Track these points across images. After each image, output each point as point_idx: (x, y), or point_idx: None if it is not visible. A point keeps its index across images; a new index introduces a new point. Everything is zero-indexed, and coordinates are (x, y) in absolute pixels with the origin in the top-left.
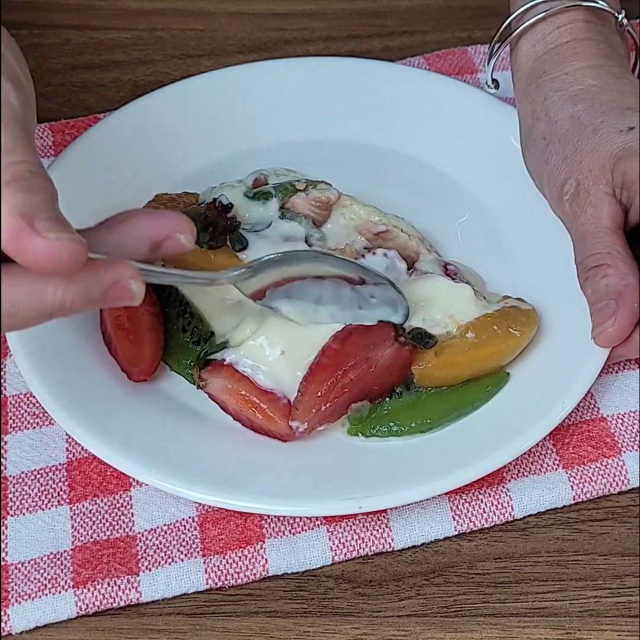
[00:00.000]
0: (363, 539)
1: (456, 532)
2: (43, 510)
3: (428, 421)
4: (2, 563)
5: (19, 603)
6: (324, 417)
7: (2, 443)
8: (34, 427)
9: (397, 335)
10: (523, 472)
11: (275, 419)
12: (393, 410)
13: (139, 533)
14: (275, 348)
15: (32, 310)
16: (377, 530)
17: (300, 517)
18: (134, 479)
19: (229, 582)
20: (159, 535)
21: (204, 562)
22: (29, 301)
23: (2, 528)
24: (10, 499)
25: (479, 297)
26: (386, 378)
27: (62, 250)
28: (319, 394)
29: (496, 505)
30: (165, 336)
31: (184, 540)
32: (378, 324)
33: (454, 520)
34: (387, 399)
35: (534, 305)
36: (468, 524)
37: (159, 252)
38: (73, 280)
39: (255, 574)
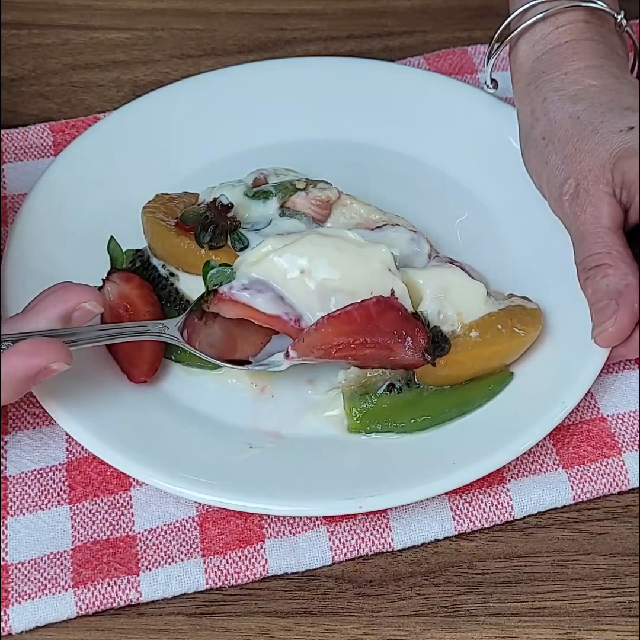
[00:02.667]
0: (363, 539)
1: (456, 532)
2: (43, 510)
3: (428, 418)
4: (2, 563)
5: (19, 603)
6: (316, 357)
7: (2, 443)
8: (34, 427)
9: (426, 349)
10: (523, 472)
11: (290, 335)
12: (393, 406)
13: (139, 533)
14: (296, 265)
15: None
16: (377, 530)
17: (300, 517)
18: (134, 479)
19: (229, 582)
20: (159, 535)
21: (204, 562)
22: None
23: (2, 528)
24: (10, 499)
25: (489, 297)
26: (390, 367)
27: None
28: (330, 344)
29: (496, 505)
30: None
31: (184, 540)
32: (419, 328)
33: (454, 520)
34: (387, 393)
35: None
36: (468, 524)
37: (71, 323)
38: None
39: (255, 574)
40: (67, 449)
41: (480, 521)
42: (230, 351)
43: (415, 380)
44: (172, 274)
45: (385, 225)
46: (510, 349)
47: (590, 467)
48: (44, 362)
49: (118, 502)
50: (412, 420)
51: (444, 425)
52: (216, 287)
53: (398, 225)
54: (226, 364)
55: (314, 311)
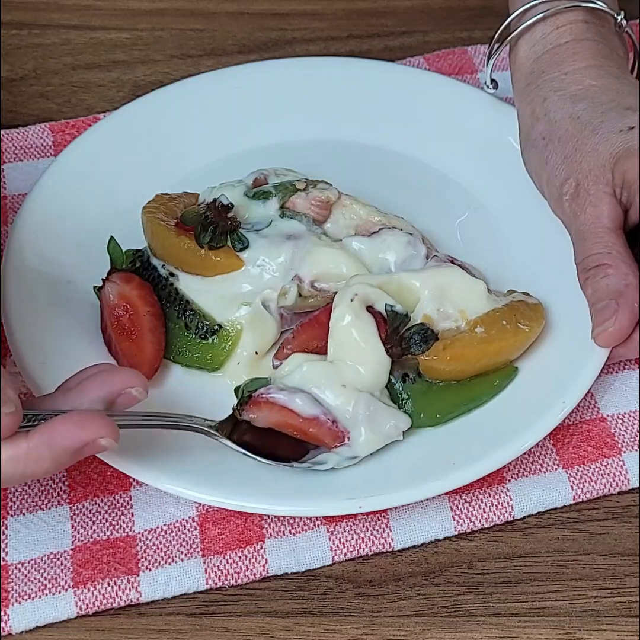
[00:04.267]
0: (363, 539)
1: (456, 532)
2: (43, 510)
3: (437, 416)
4: (2, 563)
5: (19, 603)
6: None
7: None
8: None
9: (388, 343)
10: (523, 472)
11: (324, 441)
12: (409, 395)
13: (139, 533)
14: (338, 380)
15: (6, 482)
16: (377, 530)
17: (300, 517)
18: (134, 479)
19: (229, 582)
20: (159, 535)
21: (204, 562)
22: (5, 476)
23: (2, 528)
24: (10, 499)
25: (490, 294)
26: None
27: None
28: (308, 347)
29: (496, 505)
30: (167, 336)
31: (184, 540)
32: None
33: (454, 520)
34: (400, 382)
35: None
36: (468, 524)
37: (114, 407)
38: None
39: (255, 574)
40: None
41: (480, 521)
42: (273, 450)
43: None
44: (172, 274)
45: (381, 229)
46: (515, 344)
47: (590, 467)
48: (93, 435)
49: (118, 502)
50: (422, 415)
51: (449, 422)
52: (250, 392)
53: (394, 227)
54: (268, 461)
55: (351, 416)
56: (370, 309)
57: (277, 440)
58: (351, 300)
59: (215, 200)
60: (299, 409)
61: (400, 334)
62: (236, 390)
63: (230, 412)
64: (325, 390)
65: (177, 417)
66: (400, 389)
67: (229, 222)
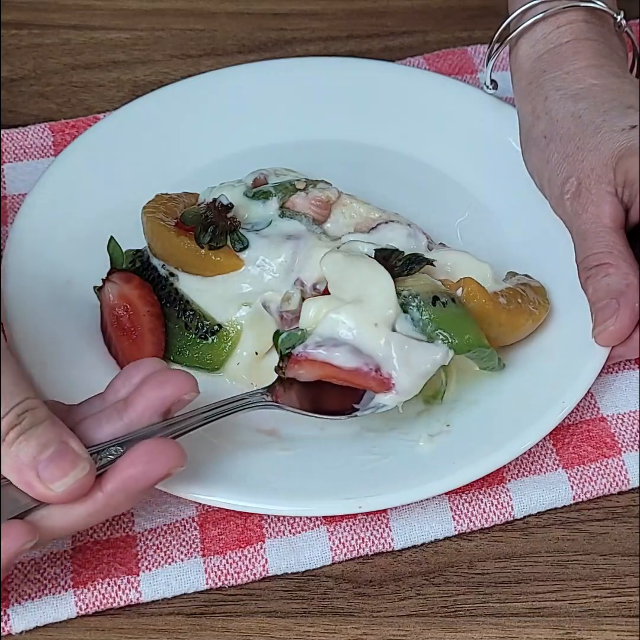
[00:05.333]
0: (363, 539)
1: (456, 532)
2: None
3: (472, 338)
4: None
5: (19, 603)
6: None
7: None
8: None
9: None
10: (523, 472)
11: (372, 388)
12: (438, 318)
13: (139, 533)
14: (369, 320)
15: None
16: (377, 530)
17: (300, 517)
18: None
19: (229, 582)
20: (159, 535)
21: (204, 562)
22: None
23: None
24: None
25: (496, 279)
26: None
27: (73, 492)
28: None
29: (496, 505)
30: (167, 336)
31: (184, 540)
32: None
33: (454, 520)
34: (431, 305)
35: None
36: (468, 524)
37: (169, 415)
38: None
39: (255, 574)
40: None
41: (480, 521)
42: (326, 402)
43: (460, 298)
44: (172, 274)
45: (379, 224)
46: (530, 326)
47: (590, 467)
48: (164, 471)
49: None
50: (455, 337)
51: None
52: (289, 350)
53: (392, 221)
54: (328, 417)
55: (390, 359)
56: None
57: (328, 390)
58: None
59: (215, 200)
60: (341, 363)
61: (391, 263)
62: (274, 339)
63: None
64: (360, 335)
65: (230, 402)
66: (420, 314)
67: (229, 222)
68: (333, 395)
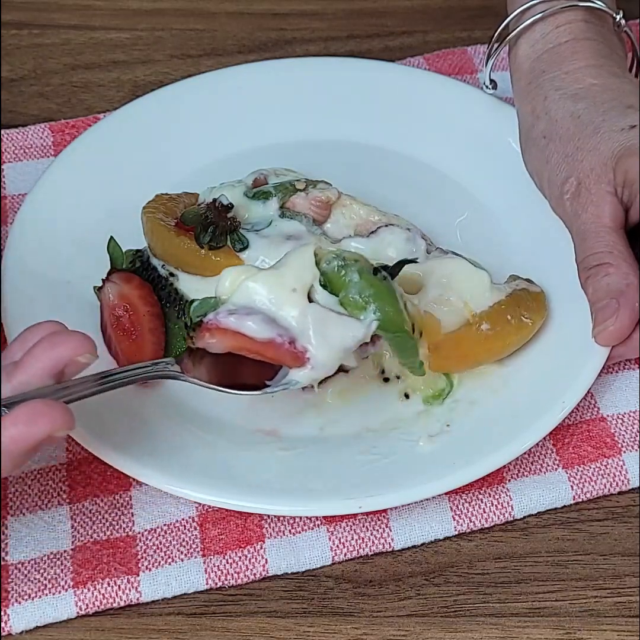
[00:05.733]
0: (363, 539)
1: (456, 532)
2: (43, 510)
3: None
4: (2, 563)
5: (19, 603)
6: None
7: None
8: None
9: None
10: (523, 472)
11: (285, 363)
12: (375, 287)
13: (139, 533)
14: (286, 285)
15: None
16: (377, 530)
17: (300, 517)
18: (134, 479)
19: (229, 582)
20: (159, 535)
21: (204, 562)
22: None
23: (2, 528)
24: (10, 499)
25: (494, 285)
26: None
27: None
28: None
29: (496, 505)
30: (167, 336)
31: (184, 540)
32: None
33: (454, 520)
34: (371, 274)
35: None
36: (468, 524)
37: (64, 378)
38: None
39: (255, 574)
40: (67, 449)
41: (480, 521)
42: (239, 377)
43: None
44: (171, 274)
45: (379, 228)
46: (519, 340)
47: (590, 467)
48: (46, 431)
49: (118, 502)
50: (385, 313)
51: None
52: (200, 318)
53: (392, 224)
54: (238, 392)
55: (306, 331)
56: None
57: (240, 364)
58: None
59: (215, 200)
60: (253, 333)
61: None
62: (187, 308)
63: (187, 351)
64: (276, 303)
65: (132, 370)
66: (360, 277)
67: (229, 222)
68: (245, 370)
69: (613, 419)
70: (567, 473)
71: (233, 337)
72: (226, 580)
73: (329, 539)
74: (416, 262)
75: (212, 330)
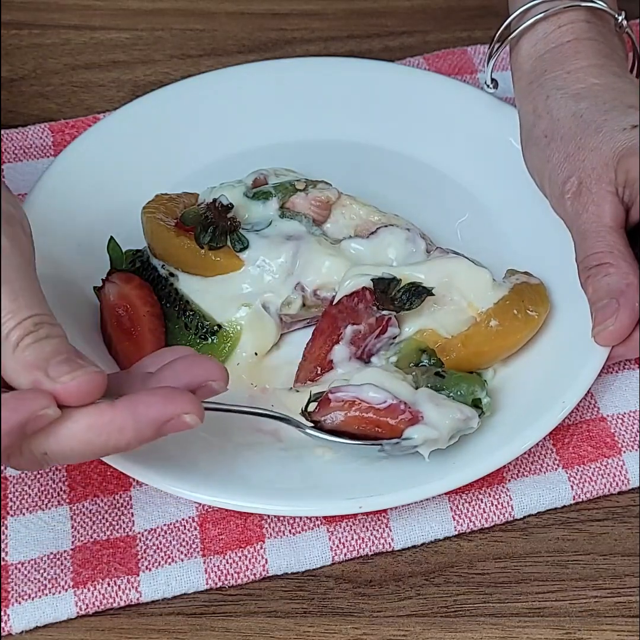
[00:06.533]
0: (363, 539)
1: (456, 532)
2: (43, 510)
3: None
4: (2, 563)
5: (19, 603)
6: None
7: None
8: None
9: (378, 304)
10: (523, 472)
11: (399, 428)
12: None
13: (139, 533)
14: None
15: (89, 453)
16: (377, 530)
17: (300, 517)
18: (134, 479)
19: (229, 582)
20: (159, 535)
21: (204, 562)
22: (87, 447)
23: (2, 528)
24: (10, 499)
25: (495, 282)
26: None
27: (81, 386)
28: (317, 352)
29: (496, 505)
30: (167, 336)
31: (184, 540)
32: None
33: (454, 520)
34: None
35: None
36: (468, 524)
37: None
38: (127, 428)
39: (255, 574)
40: None
41: (480, 521)
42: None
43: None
44: (171, 274)
45: (378, 228)
46: (528, 334)
47: (590, 467)
48: (179, 410)
49: (118, 502)
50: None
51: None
52: (317, 396)
53: (392, 225)
54: (362, 443)
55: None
56: (365, 289)
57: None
58: None
59: (215, 200)
60: (371, 399)
61: (391, 295)
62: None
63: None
64: (388, 382)
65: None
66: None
67: (229, 223)
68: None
69: (613, 419)
70: (567, 473)
71: (351, 407)
72: (226, 580)
73: (329, 539)
74: (433, 294)
75: (330, 402)
